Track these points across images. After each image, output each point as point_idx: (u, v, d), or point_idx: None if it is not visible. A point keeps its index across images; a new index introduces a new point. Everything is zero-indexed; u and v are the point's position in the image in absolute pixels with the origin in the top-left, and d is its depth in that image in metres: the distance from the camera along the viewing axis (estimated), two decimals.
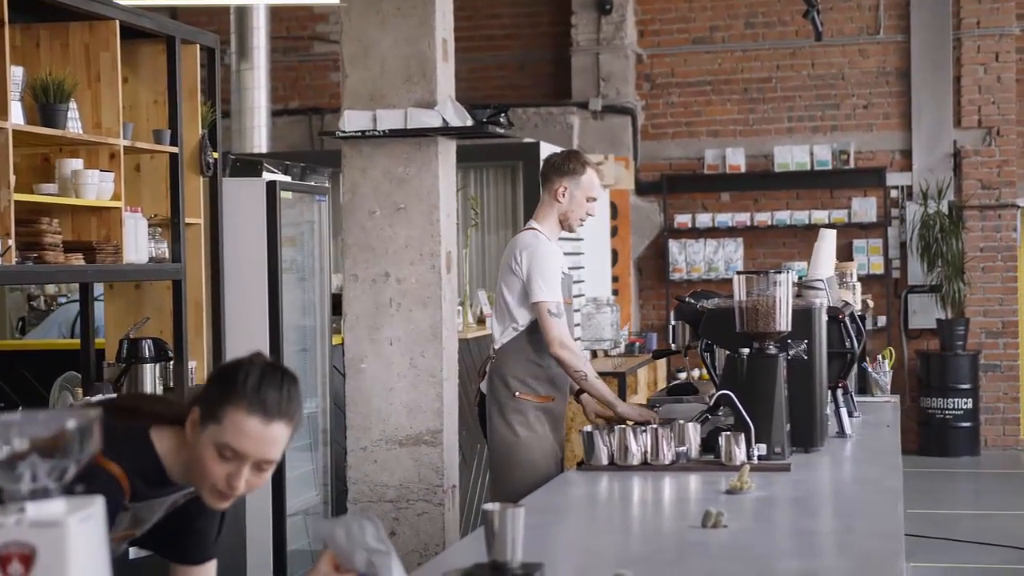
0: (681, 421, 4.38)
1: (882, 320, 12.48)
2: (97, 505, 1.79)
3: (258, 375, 2.57)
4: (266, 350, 6.27)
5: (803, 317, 4.52)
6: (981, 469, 11.84)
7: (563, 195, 5.26)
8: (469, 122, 5.76)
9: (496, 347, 5.32)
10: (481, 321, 8.04)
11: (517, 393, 5.19)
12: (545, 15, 13.43)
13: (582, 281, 10.43)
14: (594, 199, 5.33)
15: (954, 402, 12.15)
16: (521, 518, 2.73)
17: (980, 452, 12.28)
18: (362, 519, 2.51)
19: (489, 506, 2.74)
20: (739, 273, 4.46)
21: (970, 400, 12.17)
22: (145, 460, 2.63)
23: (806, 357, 4.50)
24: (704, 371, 12.35)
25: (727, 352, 4.54)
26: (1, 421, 1.75)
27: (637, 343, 11.26)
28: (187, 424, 2.61)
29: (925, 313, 12.49)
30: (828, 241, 5.54)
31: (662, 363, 11.28)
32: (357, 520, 2.51)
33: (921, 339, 12.62)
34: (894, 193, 12.65)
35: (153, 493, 2.67)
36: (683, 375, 12.49)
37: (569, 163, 5.30)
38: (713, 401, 4.40)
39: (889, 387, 6.47)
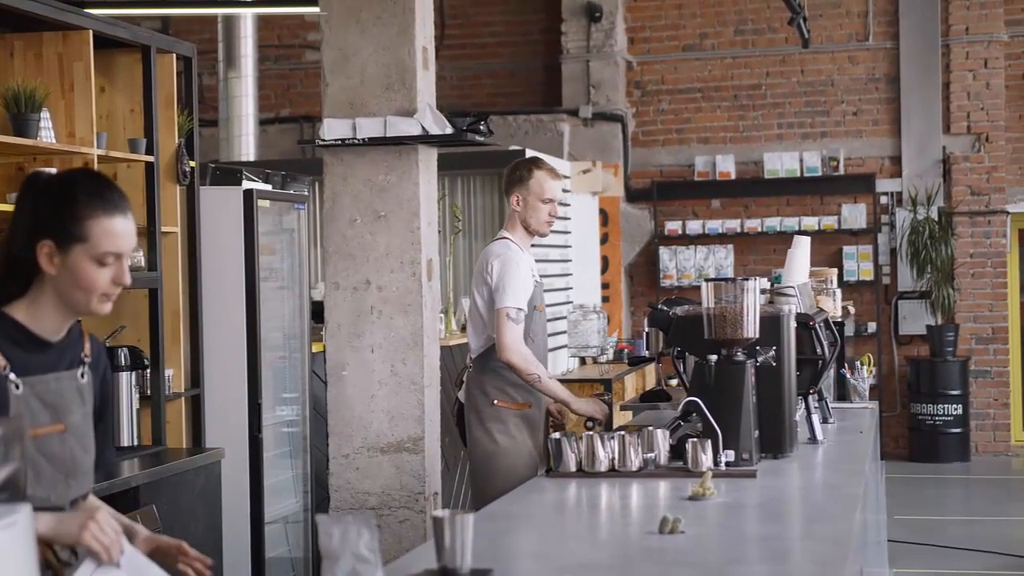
0: (650, 428, 4.39)
1: (872, 326, 12.49)
2: (22, 514, 1.81)
3: (93, 183, 2.71)
4: (244, 358, 6.30)
5: (772, 324, 4.53)
6: (971, 475, 11.84)
7: (519, 203, 5.39)
8: (448, 130, 5.78)
9: (473, 356, 5.39)
10: (464, 328, 8.05)
11: (496, 401, 5.27)
12: (536, 23, 13.46)
13: (570, 288, 10.45)
14: (550, 200, 5.40)
15: (944, 408, 12.15)
16: (470, 525, 2.75)
17: (970, 458, 12.28)
18: (362, 525, 2.53)
19: (438, 513, 2.76)
20: (707, 280, 4.47)
21: (960, 406, 12.17)
22: (8, 328, 2.68)
23: (775, 364, 4.51)
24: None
25: (696, 359, 4.55)
26: None
27: (627, 350, 11.27)
28: (41, 260, 2.68)
29: (915, 319, 12.50)
30: (802, 248, 5.55)
31: (651, 369, 11.30)
32: (357, 524, 2.54)
33: (911, 345, 12.63)
34: (884, 199, 12.66)
35: (34, 361, 2.69)
36: (674, 382, 12.49)
37: (516, 171, 5.44)
38: (681, 408, 4.41)
39: (867, 394, 6.47)
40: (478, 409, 5.30)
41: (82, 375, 2.80)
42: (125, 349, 5.43)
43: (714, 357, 4.39)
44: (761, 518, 3.68)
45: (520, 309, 5.19)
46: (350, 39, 5.82)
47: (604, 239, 12.42)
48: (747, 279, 4.43)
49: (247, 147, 10.60)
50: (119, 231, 2.69)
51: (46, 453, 2.67)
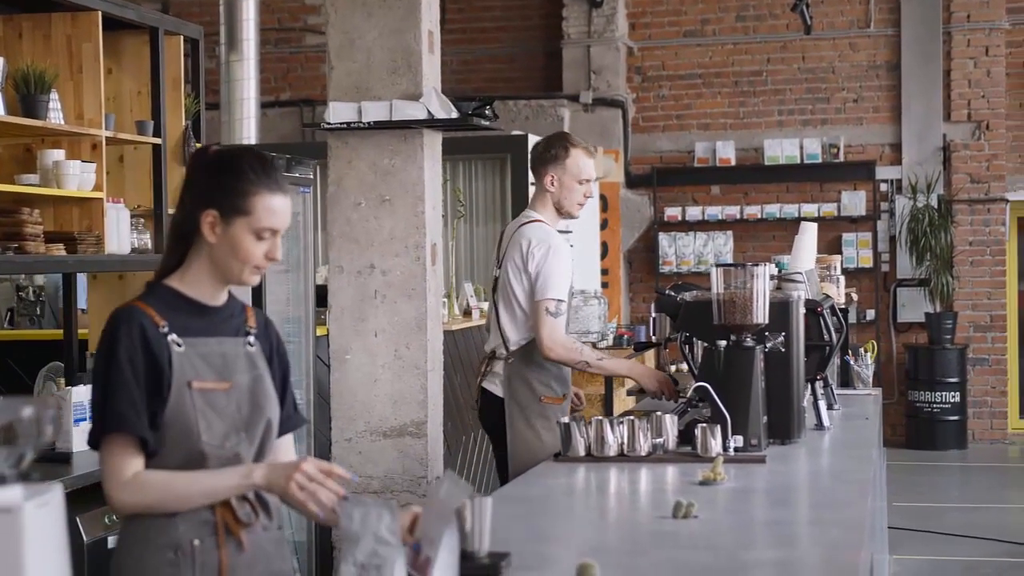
0: (658, 413, 4.40)
1: (871, 313, 12.51)
2: (54, 493, 1.81)
3: (258, 161, 2.84)
4: None
5: (781, 310, 4.53)
6: (968, 462, 11.87)
7: (552, 183, 5.16)
8: (454, 114, 5.77)
9: (511, 347, 5.14)
10: (467, 313, 8.06)
11: (543, 398, 5.07)
12: (536, 7, 13.44)
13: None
14: (587, 180, 5.18)
15: (942, 395, 12.18)
16: (488, 508, 2.75)
17: (967, 446, 12.31)
18: (383, 508, 2.55)
19: None
20: (717, 265, 4.47)
21: (958, 394, 12.20)
22: (165, 295, 2.85)
23: (783, 349, 4.51)
24: None
25: (705, 344, 4.55)
26: None
27: (626, 335, 11.28)
28: (204, 228, 2.82)
29: (914, 307, 12.52)
30: (809, 234, 5.56)
31: (651, 355, 11.31)
32: (378, 506, 2.56)
33: (909, 332, 12.65)
34: (884, 187, 12.67)
35: (194, 325, 2.84)
36: (673, 368, 12.50)
37: (551, 149, 5.18)
38: (690, 393, 4.42)
39: (871, 380, 6.48)
40: (522, 405, 5.08)
41: (249, 344, 2.92)
42: None
43: (723, 343, 4.40)
44: (773, 503, 3.69)
45: (560, 301, 4.97)
46: (356, 22, 5.82)
47: (604, 225, 12.42)
48: (757, 265, 4.43)
49: (248, 130, 10.52)
50: (279, 209, 2.83)
51: (214, 407, 2.82)
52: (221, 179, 2.83)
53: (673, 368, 12.75)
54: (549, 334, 4.95)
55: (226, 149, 2.94)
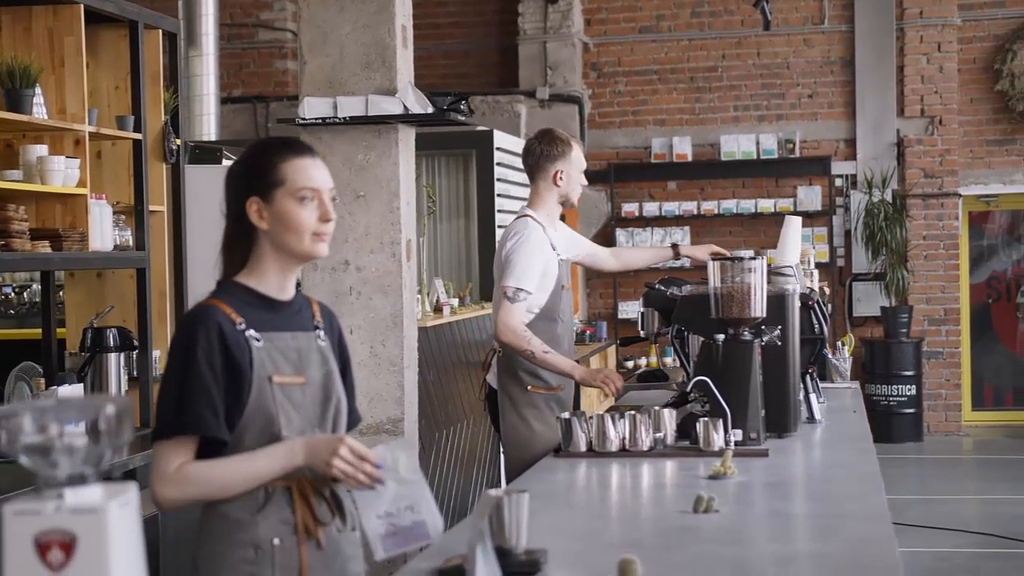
0: (657, 407, 4.39)
1: (827, 308, 12.57)
2: (132, 491, 1.77)
3: (276, 139, 2.94)
4: None
5: (777, 303, 4.54)
6: (924, 455, 11.99)
7: (561, 179, 5.23)
8: (430, 109, 5.75)
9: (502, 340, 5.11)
10: (438, 309, 8.02)
11: (529, 387, 5.11)
12: (492, 3, 13.42)
13: None
14: (584, 169, 5.34)
15: (898, 389, 12.28)
16: (526, 504, 2.73)
17: (923, 438, 12.43)
18: (396, 449, 2.56)
19: (494, 492, 2.73)
20: (714, 259, 4.47)
21: (913, 387, 12.31)
22: (237, 291, 2.84)
23: (780, 343, 4.52)
24: (654, 359, 12.33)
25: (702, 338, 4.55)
26: (38, 407, 1.72)
27: (587, 332, 11.31)
28: (252, 218, 2.82)
29: (869, 301, 12.62)
30: (794, 228, 5.58)
31: (612, 351, 11.34)
32: (392, 450, 2.61)
33: (865, 326, 12.74)
34: (839, 182, 12.76)
35: (267, 320, 2.83)
36: (630, 364, 12.53)
37: (557, 146, 5.24)
38: (690, 387, 4.41)
39: (849, 373, 6.51)
40: (511, 395, 5.12)
41: (320, 338, 2.91)
42: (113, 330, 5.34)
43: (721, 336, 4.39)
44: (789, 496, 3.69)
45: (519, 289, 4.99)
46: (328, 16, 5.77)
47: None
48: (754, 258, 4.43)
49: (208, 127, 10.45)
50: (311, 169, 2.84)
51: (292, 400, 2.82)
52: (249, 168, 2.86)
53: (630, 364, 12.79)
54: (503, 318, 4.99)
55: (253, 143, 2.97)
